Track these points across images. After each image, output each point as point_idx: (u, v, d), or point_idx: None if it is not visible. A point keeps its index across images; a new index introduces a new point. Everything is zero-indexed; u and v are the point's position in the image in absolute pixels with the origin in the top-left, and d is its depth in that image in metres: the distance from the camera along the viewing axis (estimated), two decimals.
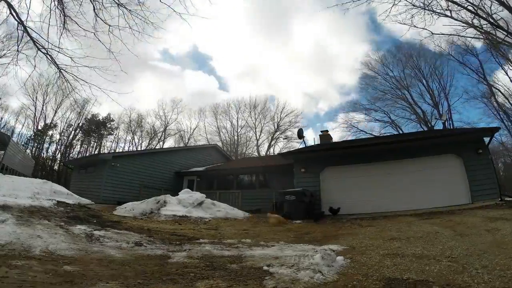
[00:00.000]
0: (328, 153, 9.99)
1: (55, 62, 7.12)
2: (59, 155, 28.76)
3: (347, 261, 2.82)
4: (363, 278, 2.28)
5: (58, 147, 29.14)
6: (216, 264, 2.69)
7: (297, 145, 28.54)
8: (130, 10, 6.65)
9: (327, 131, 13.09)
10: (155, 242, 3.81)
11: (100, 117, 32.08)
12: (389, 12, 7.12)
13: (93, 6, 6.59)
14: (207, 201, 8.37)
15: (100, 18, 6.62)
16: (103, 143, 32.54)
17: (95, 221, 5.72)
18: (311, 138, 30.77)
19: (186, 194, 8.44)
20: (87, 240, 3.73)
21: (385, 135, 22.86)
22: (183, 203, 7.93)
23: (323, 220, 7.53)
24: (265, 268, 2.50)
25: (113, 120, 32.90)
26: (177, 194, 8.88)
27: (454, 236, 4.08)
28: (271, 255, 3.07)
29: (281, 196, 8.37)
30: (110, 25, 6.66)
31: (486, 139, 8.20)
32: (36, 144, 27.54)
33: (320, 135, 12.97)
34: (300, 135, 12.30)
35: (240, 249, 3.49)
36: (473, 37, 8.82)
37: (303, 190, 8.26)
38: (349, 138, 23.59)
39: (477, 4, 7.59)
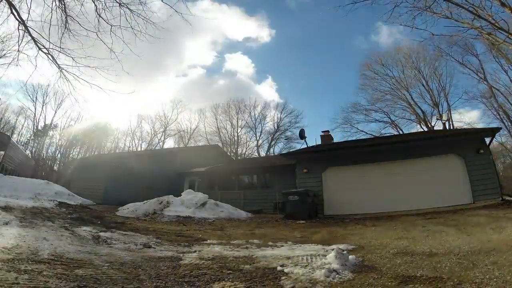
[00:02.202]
0: (331, 153, 10.02)
1: (56, 62, 7.06)
2: (59, 156, 28.61)
3: (359, 260, 2.83)
4: (378, 276, 2.29)
5: (58, 147, 28.99)
6: (229, 265, 2.68)
7: (297, 145, 28.59)
8: (132, 10, 6.63)
9: (328, 131, 13.13)
10: (163, 244, 3.79)
11: (100, 118, 31.92)
12: (391, 13, 7.13)
13: (95, 5, 6.56)
14: (210, 201, 8.35)
15: (102, 18, 6.59)
16: (103, 143, 32.41)
17: (99, 222, 5.68)
18: (312, 138, 30.86)
19: (189, 195, 8.41)
20: (94, 242, 3.69)
21: (386, 135, 22.99)
22: (186, 204, 7.90)
23: (326, 220, 7.55)
24: (279, 268, 2.50)
25: (113, 121, 32.78)
26: (179, 195, 8.85)
27: (460, 234, 4.11)
28: (282, 255, 3.07)
29: (284, 197, 8.38)
30: (112, 25, 6.63)
31: (487, 139, 8.28)
32: (36, 145, 27.35)
33: (321, 135, 12.99)
34: (302, 135, 12.32)
35: (250, 249, 3.48)
36: (474, 38, 8.91)
37: (306, 190, 8.27)
38: (349, 139, 23.69)
39: (477, 5, 7.64)
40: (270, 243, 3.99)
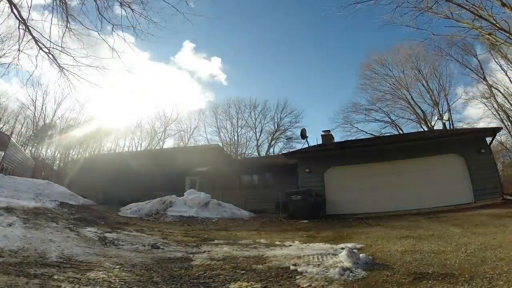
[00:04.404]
0: (333, 153, 10.04)
1: (57, 62, 6.98)
2: (58, 156, 28.39)
3: (370, 258, 2.85)
4: (391, 274, 2.32)
5: (58, 147, 28.75)
6: (241, 265, 2.67)
7: (297, 145, 28.61)
8: (133, 9, 6.59)
9: (328, 131, 13.13)
10: (171, 244, 3.78)
11: (100, 117, 31.74)
12: (393, 13, 7.17)
13: (97, 5, 6.51)
14: (213, 201, 8.34)
15: (104, 18, 6.54)
16: (103, 143, 32.22)
17: (102, 222, 5.65)
18: (312, 138, 30.72)
19: (191, 195, 8.39)
20: (101, 243, 3.66)
21: (388, 135, 23.10)
22: (189, 204, 7.88)
23: (329, 220, 7.57)
24: (292, 267, 2.50)
25: (113, 120, 32.58)
26: (180, 195, 8.82)
27: (465, 233, 4.15)
28: (292, 254, 3.07)
29: (287, 196, 8.38)
30: (114, 24, 6.59)
31: (488, 139, 8.35)
32: (35, 144, 27.08)
33: (321, 135, 12.99)
34: (303, 135, 12.32)
35: (259, 249, 3.48)
36: (474, 38, 8.97)
37: (308, 190, 8.29)
38: (349, 139, 23.77)
39: (478, 5, 7.69)
40: (277, 242, 3.99)
